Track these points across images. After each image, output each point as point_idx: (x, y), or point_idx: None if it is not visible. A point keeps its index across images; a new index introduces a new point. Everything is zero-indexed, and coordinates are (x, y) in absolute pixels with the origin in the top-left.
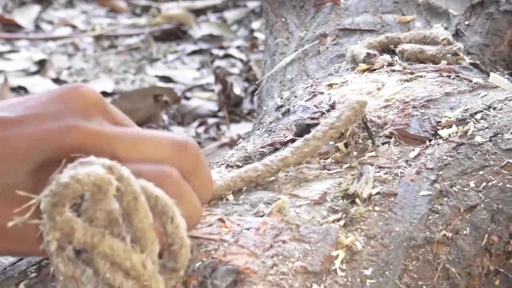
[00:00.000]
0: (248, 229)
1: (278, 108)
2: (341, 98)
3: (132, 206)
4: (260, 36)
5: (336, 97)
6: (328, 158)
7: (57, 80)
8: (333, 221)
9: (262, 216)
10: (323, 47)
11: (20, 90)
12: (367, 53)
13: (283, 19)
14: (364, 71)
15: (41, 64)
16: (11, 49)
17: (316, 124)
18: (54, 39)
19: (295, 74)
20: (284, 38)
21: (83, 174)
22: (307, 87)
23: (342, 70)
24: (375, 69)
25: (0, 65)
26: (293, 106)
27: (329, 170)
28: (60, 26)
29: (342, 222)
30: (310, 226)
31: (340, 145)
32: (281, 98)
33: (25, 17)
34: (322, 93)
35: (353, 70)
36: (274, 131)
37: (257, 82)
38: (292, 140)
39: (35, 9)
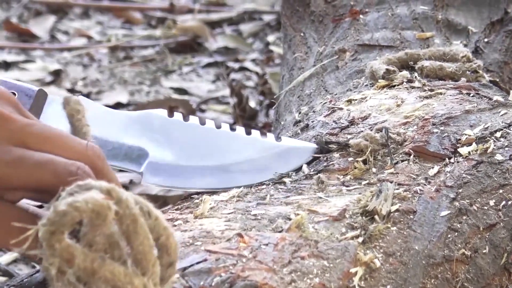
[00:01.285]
0: (266, 244)
1: (297, 123)
2: None
3: (131, 229)
4: (276, 49)
5: (356, 113)
6: (347, 174)
7: (72, 91)
8: (352, 238)
9: (280, 231)
10: (341, 63)
11: None
12: (386, 69)
13: (302, 34)
14: (383, 87)
15: (56, 74)
16: (27, 59)
17: (335, 142)
18: (69, 49)
19: (313, 89)
20: (302, 53)
21: (81, 201)
22: (325, 103)
23: (361, 86)
24: (394, 85)
25: (16, 74)
26: (312, 121)
27: (348, 186)
28: (75, 36)
29: (360, 239)
30: (328, 243)
31: (359, 161)
32: (299, 113)
33: (40, 27)
34: (341, 108)
35: (372, 86)
36: None
37: (274, 97)
38: (311, 157)
39: (51, 19)
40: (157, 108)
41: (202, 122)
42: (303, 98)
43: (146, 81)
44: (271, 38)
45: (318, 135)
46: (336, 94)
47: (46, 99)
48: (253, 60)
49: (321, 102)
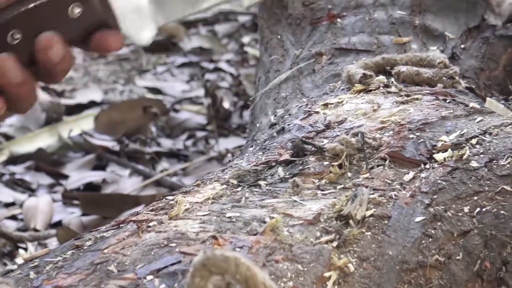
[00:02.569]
0: (241, 247)
1: (272, 125)
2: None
3: None
4: (251, 51)
5: (332, 117)
6: (322, 178)
7: (45, 88)
8: (326, 242)
9: (255, 234)
10: (318, 66)
11: None
12: (363, 73)
13: (279, 36)
14: (359, 91)
15: None
16: None
17: (312, 144)
18: None
19: (289, 92)
20: (279, 56)
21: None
22: (302, 106)
23: (338, 89)
24: (371, 90)
25: None
26: (288, 125)
27: (323, 190)
28: None
29: (335, 244)
30: (303, 246)
31: (335, 166)
32: (275, 115)
33: None
34: (317, 112)
35: (349, 90)
36: (268, 149)
37: (250, 99)
38: (287, 160)
39: None
40: (131, 107)
41: None
42: (279, 100)
43: (120, 80)
44: (246, 39)
45: (294, 138)
46: (312, 98)
47: None
48: (228, 61)
49: (297, 105)
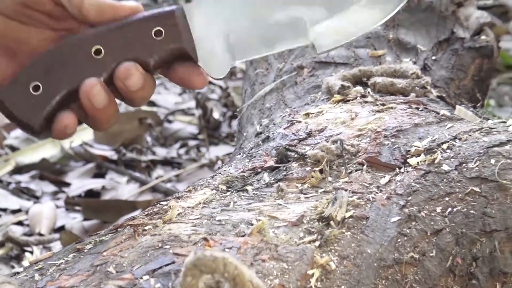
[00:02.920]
0: (230, 248)
1: (258, 134)
2: None
3: None
4: (238, 65)
5: (313, 125)
6: (305, 183)
7: None
8: (309, 242)
9: (243, 236)
10: (300, 78)
11: None
12: (342, 85)
13: None
14: (338, 101)
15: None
16: None
17: (295, 151)
18: None
19: (273, 103)
20: (263, 69)
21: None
22: (285, 116)
23: (318, 100)
24: (349, 100)
25: None
26: (272, 133)
27: (305, 194)
28: None
29: (317, 243)
30: (287, 246)
31: (316, 171)
32: (261, 125)
33: None
34: (299, 121)
35: (328, 100)
36: (254, 157)
37: (237, 109)
38: (272, 167)
39: None
40: (128, 119)
41: None
42: (264, 111)
43: None
44: None
45: (278, 146)
46: (295, 108)
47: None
48: None
49: (281, 115)
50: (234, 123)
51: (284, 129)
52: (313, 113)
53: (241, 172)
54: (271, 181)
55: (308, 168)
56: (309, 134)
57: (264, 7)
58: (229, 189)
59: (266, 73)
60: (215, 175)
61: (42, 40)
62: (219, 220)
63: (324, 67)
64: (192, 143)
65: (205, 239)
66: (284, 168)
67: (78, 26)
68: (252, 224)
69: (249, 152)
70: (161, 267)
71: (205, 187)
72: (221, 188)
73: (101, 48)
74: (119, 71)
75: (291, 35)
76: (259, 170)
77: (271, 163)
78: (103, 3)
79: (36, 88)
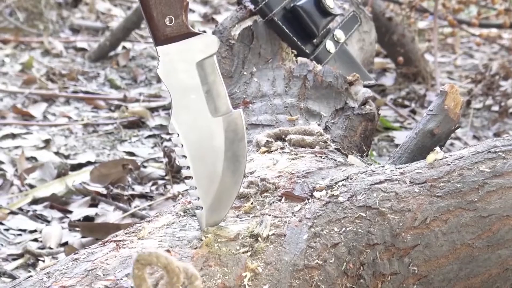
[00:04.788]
0: (186, 257)
1: None
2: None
3: None
4: None
5: (247, 169)
6: (240, 210)
7: (57, 153)
8: (243, 252)
9: (195, 248)
10: None
11: (32, 159)
12: (267, 140)
13: None
14: (264, 152)
15: (47, 142)
16: (27, 131)
17: None
18: (56, 125)
19: None
20: None
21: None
22: None
23: (250, 151)
24: (272, 151)
25: (19, 142)
26: None
27: (240, 218)
28: (60, 117)
29: (249, 253)
30: (227, 256)
31: (248, 202)
32: None
33: (36, 110)
34: None
35: (257, 151)
36: None
37: None
38: None
39: (44, 105)
40: (114, 165)
41: None
42: None
43: (107, 147)
44: None
45: None
46: None
47: None
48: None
49: None
50: None
51: None
52: (247, 160)
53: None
54: None
55: (242, 199)
56: (244, 175)
57: None
58: (186, 214)
59: None
60: (176, 205)
61: None
62: (178, 237)
63: (254, 127)
64: (160, 182)
65: (168, 251)
66: None
67: None
68: (202, 240)
69: None
70: None
71: (168, 213)
72: (180, 214)
73: None
74: None
75: None
76: None
77: None
78: None
79: None
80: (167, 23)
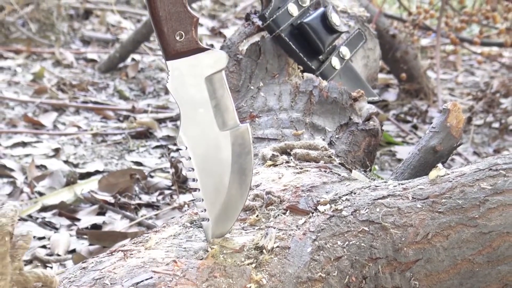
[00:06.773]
0: (192, 268)
1: None
2: None
3: None
4: None
5: (252, 182)
6: (245, 222)
7: (66, 162)
8: (248, 264)
9: (201, 259)
10: None
11: (42, 167)
12: (272, 154)
13: None
14: (270, 165)
15: (56, 151)
16: (37, 140)
17: None
18: (65, 135)
19: None
20: None
21: None
22: None
23: (256, 164)
24: (277, 165)
25: (30, 150)
26: None
27: (246, 230)
28: (70, 126)
29: (254, 265)
30: (233, 267)
31: (253, 215)
32: None
33: (47, 119)
34: None
35: (263, 164)
36: None
37: None
38: None
39: (54, 115)
40: (122, 174)
41: None
42: None
43: (115, 157)
44: None
45: None
46: None
47: None
48: None
49: None
50: None
51: None
52: (253, 174)
53: None
54: None
55: (247, 212)
56: (250, 188)
57: None
58: (192, 225)
59: None
60: (183, 215)
61: None
62: (185, 248)
63: (260, 141)
64: (167, 192)
65: (174, 261)
66: None
67: None
68: (208, 251)
69: None
70: (142, 281)
71: (175, 224)
72: (187, 225)
73: None
74: None
75: None
76: None
77: None
78: None
79: None
80: (177, 38)
